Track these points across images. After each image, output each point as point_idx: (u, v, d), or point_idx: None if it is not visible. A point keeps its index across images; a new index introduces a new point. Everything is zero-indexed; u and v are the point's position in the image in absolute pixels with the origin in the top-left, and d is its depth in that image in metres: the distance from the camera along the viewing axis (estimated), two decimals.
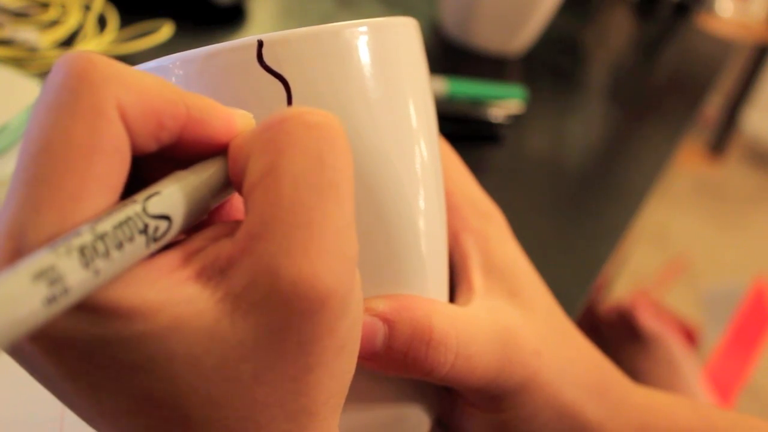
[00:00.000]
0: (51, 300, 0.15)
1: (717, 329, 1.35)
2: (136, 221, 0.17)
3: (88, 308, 0.16)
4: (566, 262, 0.47)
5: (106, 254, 0.16)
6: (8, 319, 0.14)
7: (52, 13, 0.53)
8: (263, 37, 0.22)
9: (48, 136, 0.16)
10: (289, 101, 0.23)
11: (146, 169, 0.20)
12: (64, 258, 0.15)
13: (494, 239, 0.29)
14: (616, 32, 0.88)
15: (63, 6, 0.54)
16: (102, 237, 0.16)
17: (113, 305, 0.16)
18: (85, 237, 0.15)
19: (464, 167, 0.32)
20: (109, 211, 0.16)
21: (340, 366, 0.19)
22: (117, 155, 0.17)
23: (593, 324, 0.89)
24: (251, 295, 0.17)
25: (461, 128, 0.56)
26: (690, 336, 1.16)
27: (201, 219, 0.19)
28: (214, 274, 0.17)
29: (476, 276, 0.28)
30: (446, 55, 0.68)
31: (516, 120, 0.59)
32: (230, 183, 0.19)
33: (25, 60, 0.48)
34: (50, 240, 0.16)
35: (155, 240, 0.17)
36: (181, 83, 0.23)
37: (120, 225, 0.16)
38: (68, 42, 0.51)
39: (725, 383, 1.23)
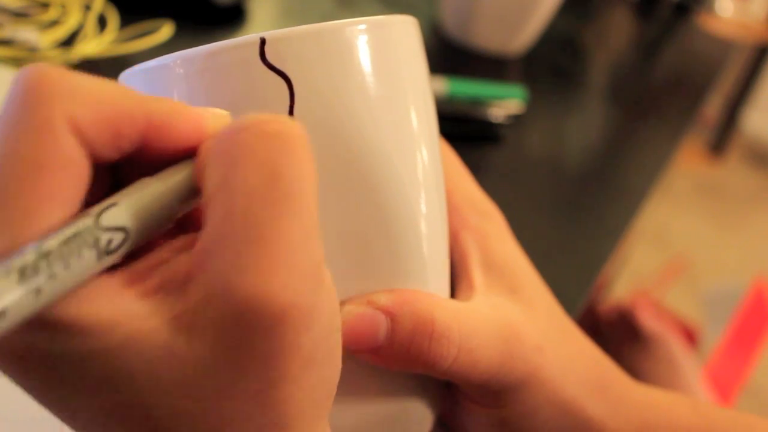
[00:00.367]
0: None
1: (717, 329, 1.35)
2: (85, 236, 0.16)
3: (43, 325, 0.16)
4: (566, 262, 0.47)
5: (50, 273, 0.15)
6: None
7: (52, 13, 0.53)
8: (265, 34, 0.22)
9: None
10: (292, 99, 0.23)
11: (125, 176, 0.19)
12: (2, 279, 0.15)
13: (493, 237, 0.30)
14: (616, 32, 0.88)
15: (63, 6, 0.54)
16: (46, 255, 0.15)
17: (67, 322, 0.16)
18: (28, 256, 0.15)
19: (463, 167, 0.32)
20: (62, 227, 0.16)
21: (310, 378, 0.18)
22: (69, 169, 0.16)
23: (593, 324, 0.89)
24: (206, 312, 0.17)
25: (461, 128, 0.56)
26: (690, 336, 1.16)
27: (167, 227, 0.19)
28: (171, 290, 0.17)
29: (476, 274, 0.28)
30: (446, 55, 0.68)
31: (516, 120, 0.59)
32: (198, 191, 0.19)
33: (25, 60, 0.48)
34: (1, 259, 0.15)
35: (109, 253, 0.17)
36: (182, 82, 0.23)
37: (67, 241, 0.16)
38: (68, 42, 0.51)
39: (725, 383, 1.23)
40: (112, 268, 0.18)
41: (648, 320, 0.87)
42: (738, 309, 1.38)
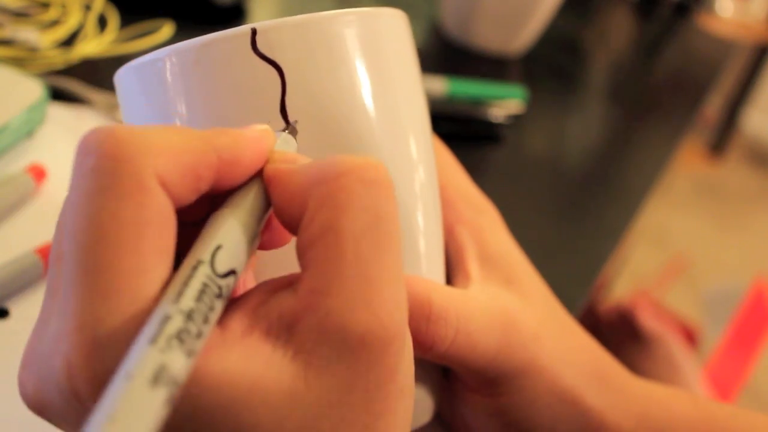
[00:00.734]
0: (170, 399, 0.15)
1: (717, 329, 1.35)
2: (211, 287, 0.17)
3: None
4: (566, 262, 0.47)
5: (197, 332, 0.16)
6: (141, 431, 0.14)
7: (52, 13, 0.53)
8: (256, 25, 0.23)
9: (98, 223, 0.16)
10: (283, 88, 0.23)
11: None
12: (169, 352, 0.15)
13: (488, 231, 0.30)
14: (616, 32, 0.88)
15: (63, 6, 0.54)
16: (190, 315, 0.16)
17: (199, 378, 0.16)
18: (177, 320, 0.15)
19: (456, 163, 0.32)
20: (177, 279, 0.17)
21: (402, 409, 0.19)
22: (166, 223, 0.17)
23: (593, 324, 0.89)
24: (321, 350, 0.17)
25: (461, 128, 0.56)
26: (690, 336, 1.16)
27: (253, 255, 0.19)
28: (281, 332, 0.18)
29: (473, 266, 0.29)
30: (446, 55, 0.68)
31: (516, 120, 0.59)
32: (269, 204, 0.20)
33: (25, 60, 0.48)
34: (127, 324, 0.16)
35: (225, 298, 0.17)
36: (176, 75, 0.23)
37: (200, 296, 0.16)
38: (68, 42, 0.51)
39: (725, 383, 1.23)
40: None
41: (648, 320, 0.87)
42: (738, 309, 1.38)
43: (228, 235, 0.18)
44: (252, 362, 0.17)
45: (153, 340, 0.15)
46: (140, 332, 0.16)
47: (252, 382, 0.17)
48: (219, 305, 0.17)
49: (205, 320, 0.16)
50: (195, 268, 0.17)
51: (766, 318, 1.36)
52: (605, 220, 0.52)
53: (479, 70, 0.66)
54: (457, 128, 0.55)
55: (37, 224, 0.37)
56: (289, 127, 0.23)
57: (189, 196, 0.18)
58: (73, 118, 0.45)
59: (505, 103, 0.58)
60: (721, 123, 2.25)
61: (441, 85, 0.57)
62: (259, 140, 0.20)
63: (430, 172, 0.28)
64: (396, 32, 0.26)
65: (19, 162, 0.40)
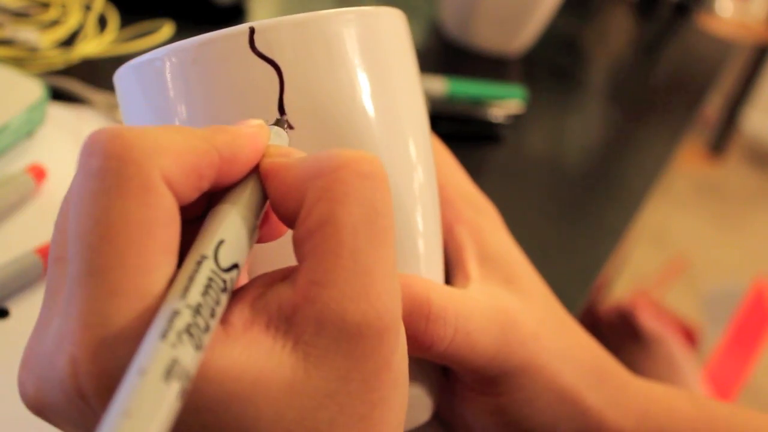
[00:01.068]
0: (182, 392, 0.15)
1: (717, 329, 1.35)
2: (217, 281, 0.17)
3: None
4: (566, 262, 0.47)
5: (205, 326, 0.16)
6: (156, 426, 0.14)
7: (52, 13, 0.53)
8: (254, 23, 0.23)
9: (104, 222, 0.17)
10: (281, 87, 0.23)
11: None
12: (180, 346, 0.15)
13: (488, 230, 0.30)
14: (616, 32, 0.88)
15: (63, 6, 0.54)
16: (198, 309, 0.16)
17: (203, 372, 0.16)
18: (185, 315, 0.16)
19: (455, 162, 0.32)
20: (182, 274, 0.17)
21: (397, 399, 0.19)
22: (171, 222, 0.17)
23: (593, 324, 0.89)
24: (319, 340, 0.18)
25: (461, 128, 0.56)
26: (690, 336, 1.16)
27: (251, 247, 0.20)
28: (280, 323, 0.18)
29: (472, 265, 0.29)
30: (446, 55, 0.68)
31: (516, 120, 0.59)
32: (266, 198, 0.20)
33: (25, 60, 0.48)
34: (134, 322, 0.16)
35: (229, 292, 0.18)
36: (175, 74, 0.23)
37: (206, 291, 0.16)
38: (68, 42, 0.51)
39: (725, 383, 1.23)
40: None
41: (648, 320, 0.87)
42: (738, 309, 1.38)
43: (229, 229, 0.18)
44: (254, 355, 0.17)
45: (163, 336, 0.15)
46: (149, 328, 0.16)
47: (254, 375, 0.17)
48: (224, 299, 0.17)
49: (212, 314, 0.16)
50: (199, 263, 0.17)
51: (766, 318, 1.36)
52: (605, 220, 0.52)
53: (479, 70, 0.66)
54: (457, 128, 0.55)
55: (37, 224, 0.37)
56: (280, 120, 0.23)
57: (191, 195, 0.18)
58: (73, 118, 0.45)
59: (505, 103, 0.58)
60: (721, 123, 2.25)
61: (441, 85, 0.57)
62: (256, 136, 0.20)
63: (429, 171, 0.28)
64: (395, 32, 0.26)
65: (19, 162, 0.40)
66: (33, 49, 0.49)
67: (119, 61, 0.25)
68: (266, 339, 0.18)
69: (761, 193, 2.21)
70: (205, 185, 0.19)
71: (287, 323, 0.18)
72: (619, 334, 0.87)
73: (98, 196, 0.17)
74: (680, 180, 2.08)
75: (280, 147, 0.21)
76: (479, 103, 0.57)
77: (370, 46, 0.25)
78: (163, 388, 0.15)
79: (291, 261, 0.20)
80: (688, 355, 0.85)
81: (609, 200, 0.55)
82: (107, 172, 0.17)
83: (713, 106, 2.15)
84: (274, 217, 0.21)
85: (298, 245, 0.19)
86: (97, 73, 0.49)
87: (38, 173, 0.38)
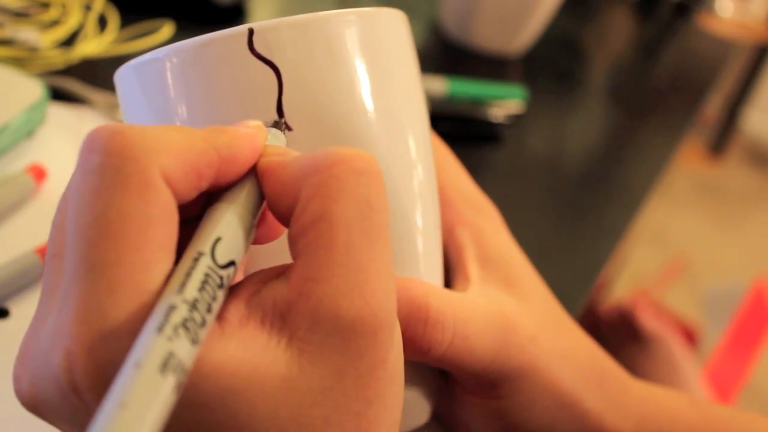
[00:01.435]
0: (178, 386, 0.15)
1: (717, 329, 1.35)
2: (213, 277, 0.17)
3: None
4: (566, 262, 0.47)
5: (201, 320, 0.16)
6: (151, 418, 0.14)
7: (52, 13, 0.53)
8: (253, 25, 0.23)
9: (103, 218, 0.17)
10: (280, 88, 0.23)
11: None
12: (176, 340, 0.15)
13: (489, 232, 0.30)
14: (616, 32, 0.88)
15: (63, 6, 0.54)
16: (194, 304, 0.16)
17: (198, 368, 0.16)
18: (182, 309, 0.16)
19: (457, 162, 0.32)
20: (179, 270, 0.17)
21: (392, 397, 0.19)
22: (169, 219, 0.17)
23: (593, 324, 0.89)
24: (314, 337, 0.18)
25: (461, 128, 0.56)
26: (690, 336, 1.16)
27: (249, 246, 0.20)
28: (275, 319, 0.18)
29: (472, 267, 0.29)
30: (446, 55, 0.68)
31: (516, 120, 0.59)
32: (263, 197, 0.20)
33: (25, 60, 0.48)
34: (131, 317, 0.16)
35: (225, 288, 0.18)
36: (175, 74, 0.23)
37: (202, 286, 0.17)
38: (68, 42, 0.51)
39: (725, 383, 1.23)
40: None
41: (648, 320, 0.87)
42: (738, 309, 1.38)
43: (226, 227, 0.18)
44: (249, 351, 0.17)
45: (160, 329, 0.15)
46: (146, 323, 0.16)
47: (249, 371, 0.17)
48: (221, 295, 0.17)
49: (209, 309, 0.17)
50: (196, 259, 0.17)
51: (766, 318, 1.36)
52: (605, 220, 0.52)
53: (479, 70, 0.66)
54: (457, 128, 0.55)
55: (37, 224, 0.37)
56: (278, 122, 0.23)
57: (190, 194, 0.18)
58: (73, 118, 0.45)
59: (505, 103, 0.58)
60: (721, 123, 2.25)
61: (441, 85, 0.57)
62: (254, 136, 0.20)
63: (429, 172, 0.27)
64: (395, 32, 0.26)
65: (19, 162, 0.40)
66: (33, 49, 0.49)
67: (119, 61, 0.25)
68: (261, 335, 0.18)
69: (761, 193, 2.21)
70: (204, 184, 0.19)
71: (282, 319, 0.18)
72: (619, 334, 0.87)
73: (98, 192, 0.17)
74: (680, 180, 2.08)
75: (277, 147, 0.21)
76: (479, 103, 0.57)
77: (370, 47, 0.25)
78: (159, 380, 0.15)
79: (287, 260, 0.20)
80: (688, 355, 0.85)
81: (609, 200, 0.55)
82: (107, 168, 0.17)
83: (713, 106, 2.14)
84: (270, 218, 0.21)
85: (292, 242, 0.19)
86: (97, 73, 0.49)
87: (38, 173, 0.38)
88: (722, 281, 1.73)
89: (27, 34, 0.49)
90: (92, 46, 0.51)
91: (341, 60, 0.24)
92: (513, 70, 0.68)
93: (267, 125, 0.22)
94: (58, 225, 0.20)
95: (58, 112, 0.44)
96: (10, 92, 0.40)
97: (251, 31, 0.23)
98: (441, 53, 0.68)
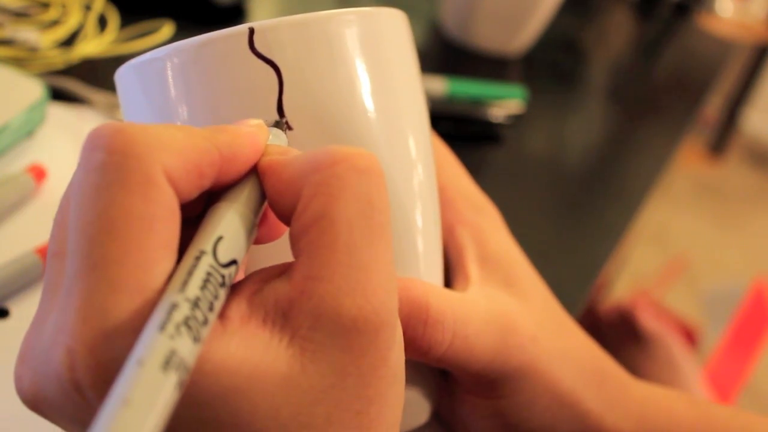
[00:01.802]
0: (180, 383, 0.15)
1: (717, 329, 1.35)
2: (215, 276, 0.17)
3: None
4: (566, 262, 0.47)
5: (203, 319, 0.16)
6: (154, 415, 0.14)
7: (52, 13, 0.53)
8: (254, 24, 0.23)
9: (106, 216, 0.17)
10: (281, 87, 0.23)
11: None
12: (178, 338, 0.15)
13: (489, 231, 0.30)
14: (616, 32, 0.88)
15: (63, 6, 0.54)
16: (196, 303, 0.16)
17: (200, 366, 0.16)
18: (184, 308, 0.16)
19: (457, 162, 0.32)
20: (181, 269, 0.17)
21: (394, 395, 0.19)
22: (172, 218, 0.17)
23: (593, 324, 0.89)
24: (316, 335, 0.18)
25: (461, 128, 0.56)
26: (690, 336, 1.16)
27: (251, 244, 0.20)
28: (277, 317, 0.18)
29: (472, 267, 0.29)
30: (446, 55, 0.68)
31: (516, 120, 0.59)
32: (264, 197, 0.20)
33: (25, 60, 0.48)
34: (133, 315, 0.16)
35: (227, 287, 0.18)
36: (175, 73, 0.23)
37: (204, 285, 0.17)
38: (68, 42, 0.51)
39: (725, 383, 1.23)
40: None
41: (648, 320, 0.87)
42: (738, 309, 1.38)
43: (228, 226, 0.18)
44: (251, 350, 0.17)
45: (162, 327, 0.15)
46: (148, 321, 0.16)
47: (251, 369, 0.17)
48: (222, 293, 0.17)
49: (210, 308, 0.17)
50: (198, 258, 0.17)
51: (766, 318, 1.36)
52: (605, 220, 0.52)
53: (479, 70, 0.66)
54: (457, 128, 0.55)
55: (37, 224, 0.37)
56: (279, 121, 0.23)
57: (192, 192, 0.18)
58: (73, 118, 0.45)
59: (505, 103, 0.58)
60: (721, 123, 2.25)
61: (441, 85, 0.57)
62: (255, 135, 0.20)
63: (429, 172, 0.27)
64: (395, 32, 0.26)
65: (19, 162, 0.40)
66: (33, 49, 0.49)
67: (119, 61, 0.25)
68: (263, 333, 0.18)
69: (761, 193, 2.21)
70: (206, 183, 0.19)
71: (284, 318, 0.18)
72: (619, 334, 0.87)
73: (100, 190, 0.17)
74: (680, 180, 2.08)
75: (278, 146, 0.21)
76: (479, 103, 0.57)
77: (370, 46, 0.25)
78: (161, 378, 0.15)
79: (288, 259, 0.20)
80: (688, 355, 0.85)
81: (609, 200, 0.55)
82: (110, 166, 0.17)
83: (713, 106, 2.14)
84: (272, 218, 0.21)
85: (294, 241, 0.19)
86: (97, 73, 0.49)
87: (38, 173, 0.38)
88: (722, 281, 1.73)
89: (27, 34, 0.49)
90: (92, 46, 0.51)
91: (341, 59, 0.24)
92: (513, 70, 0.68)
93: (268, 125, 0.22)
94: (59, 223, 0.20)
95: (58, 112, 0.44)
96: (10, 92, 0.40)
97: (251, 31, 0.23)
98: (441, 53, 0.68)
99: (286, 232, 0.21)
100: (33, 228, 0.37)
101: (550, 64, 0.72)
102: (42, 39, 0.50)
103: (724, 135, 2.28)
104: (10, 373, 0.20)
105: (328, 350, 0.18)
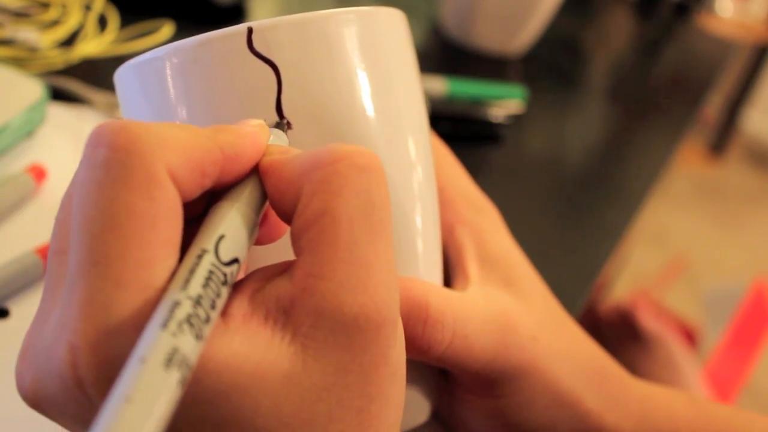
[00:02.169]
0: (182, 380, 0.15)
1: (717, 329, 1.35)
2: (217, 274, 0.17)
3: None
4: (566, 262, 0.47)
5: (206, 317, 0.16)
6: (156, 412, 0.14)
7: (52, 13, 0.53)
8: (253, 23, 0.23)
9: (109, 213, 0.17)
10: (279, 87, 0.23)
11: None
12: (180, 335, 0.15)
13: (489, 231, 0.30)
14: (616, 32, 0.88)
15: (63, 6, 0.54)
16: (198, 300, 0.16)
17: (202, 363, 0.16)
18: (186, 305, 0.16)
19: (457, 162, 0.32)
20: (183, 267, 0.17)
21: (395, 393, 0.19)
22: (175, 216, 0.17)
23: (593, 324, 0.89)
24: (317, 333, 0.18)
25: (461, 128, 0.56)
26: (690, 336, 1.16)
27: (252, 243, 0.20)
28: (278, 315, 0.18)
29: (472, 267, 0.29)
30: (446, 55, 0.68)
31: (516, 120, 0.59)
32: (265, 196, 0.20)
33: (25, 60, 0.48)
34: (135, 313, 0.16)
35: (229, 285, 0.18)
36: (175, 72, 0.23)
37: (206, 283, 0.17)
38: (68, 42, 0.51)
39: (725, 383, 1.23)
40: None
41: (648, 320, 0.87)
42: (738, 309, 1.38)
43: (230, 225, 0.18)
44: (253, 348, 0.17)
45: (164, 325, 0.15)
46: (150, 319, 0.16)
47: (253, 367, 0.17)
48: (225, 292, 0.17)
49: (213, 306, 0.17)
50: (200, 256, 0.17)
51: (766, 318, 1.36)
52: (605, 220, 0.52)
53: (479, 70, 0.66)
54: (457, 128, 0.55)
55: (37, 224, 0.37)
56: (280, 122, 0.23)
57: (194, 191, 0.18)
58: (73, 118, 0.45)
59: (505, 103, 0.58)
60: (721, 123, 2.25)
61: (441, 85, 0.57)
62: (257, 135, 0.20)
63: (429, 172, 0.27)
64: (395, 32, 0.26)
65: (19, 162, 0.40)
66: (33, 49, 0.49)
67: (119, 61, 0.25)
68: (265, 331, 0.18)
69: (761, 193, 2.21)
70: (208, 183, 0.19)
71: (285, 315, 0.18)
72: (619, 334, 0.87)
73: (103, 187, 0.17)
74: (680, 180, 2.08)
75: (279, 146, 0.21)
76: (479, 103, 0.57)
77: (369, 46, 0.25)
78: (164, 375, 0.15)
79: (289, 258, 0.20)
80: (688, 355, 0.85)
81: (609, 200, 0.55)
82: (113, 163, 0.17)
83: (713, 106, 2.14)
84: (272, 219, 0.21)
85: (295, 239, 0.19)
86: (97, 73, 0.49)
87: (38, 173, 0.38)
88: (722, 281, 1.73)
89: (27, 34, 0.49)
90: (92, 46, 0.51)
91: (341, 59, 0.24)
92: (513, 70, 0.68)
93: (269, 126, 0.22)
94: (62, 221, 0.20)
95: (58, 112, 0.44)
96: (10, 92, 0.40)
97: (250, 30, 0.23)
98: (441, 53, 0.68)
99: (286, 232, 0.21)
100: (33, 228, 0.37)
101: (550, 64, 0.72)
102: (42, 39, 0.50)
103: (724, 135, 2.28)
104: (10, 373, 0.20)
105: (330, 347, 0.18)
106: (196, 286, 0.16)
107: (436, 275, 0.28)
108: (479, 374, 0.27)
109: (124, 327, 0.16)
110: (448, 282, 0.29)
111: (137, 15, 0.55)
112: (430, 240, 0.27)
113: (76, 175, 0.18)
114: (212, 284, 0.17)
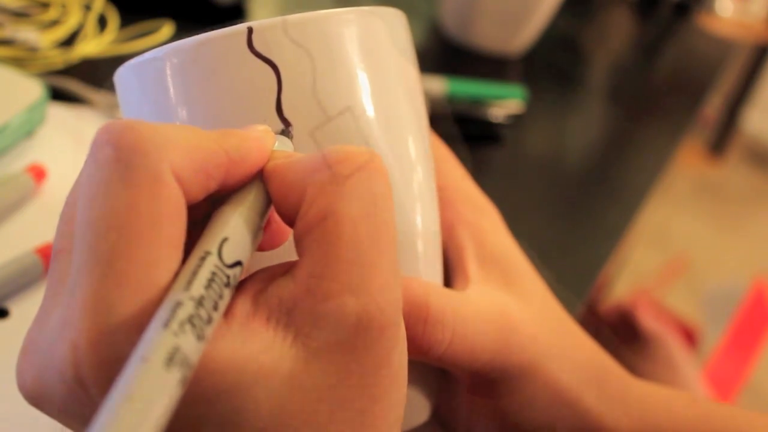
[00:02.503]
0: (183, 380, 0.15)
1: (717, 329, 1.35)
2: (220, 276, 0.17)
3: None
4: (566, 262, 0.47)
5: (207, 317, 0.16)
6: (156, 411, 0.14)
7: (52, 13, 0.53)
8: (253, 23, 0.23)
9: (113, 212, 0.17)
10: (279, 86, 0.23)
11: None
12: (182, 335, 0.15)
13: (489, 231, 0.30)
14: (616, 32, 0.88)
15: (63, 6, 0.54)
16: (200, 301, 0.16)
17: (204, 363, 0.17)
18: (188, 306, 0.16)
19: (457, 162, 0.32)
20: (186, 269, 0.17)
21: (396, 394, 0.19)
22: (179, 216, 0.17)
23: (593, 324, 0.89)
24: (320, 333, 0.18)
25: (461, 128, 0.56)
26: (690, 336, 1.16)
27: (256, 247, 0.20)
28: (281, 316, 0.18)
29: (472, 267, 0.29)
30: (446, 55, 0.68)
31: (516, 120, 0.59)
32: (270, 201, 0.20)
33: (25, 60, 0.48)
34: (138, 312, 0.16)
35: (232, 287, 0.18)
36: (175, 72, 0.23)
37: (209, 284, 0.17)
38: (68, 42, 0.51)
39: (725, 383, 1.23)
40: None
41: (648, 320, 0.87)
42: (738, 309, 1.38)
43: (233, 228, 0.18)
44: (255, 348, 0.17)
45: (166, 325, 0.15)
46: (153, 318, 0.16)
47: (255, 367, 0.17)
48: (227, 293, 0.17)
49: (215, 307, 0.17)
50: (203, 258, 0.17)
51: (766, 318, 1.36)
52: (605, 220, 0.52)
53: (479, 70, 0.66)
54: (457, 128, 0.55)
55: (37, 224, 0.37)
56: (285, 129, 0.23)
57: (199, 193, 0.18)
58: (73, 118, 0.45)
59: (505, 103, 0.58)
60: (721, 123, 2.25)
61: (441, 85, 0.57)
62: (262, 140, 0.20)
63: (428, 172, 0.27)
64: (395, 32, 0.26)
65: (19, 162, 0.40)
66: (33, 49, 0.49)
67: (119, 61, 0.25)
68: (267, 332, 0.18)
69: (761, 193, 2.21)
70: (212, 185, 0.19)
71: (288, 316, 0.18)
72: (619, 334, 0.87)
73: (108, 186, 0.17)
74: (680, 180, 2.08)
75: (284, 151, 0.21)
76: (479, 103, 0.57)
77: (369, 46, 0.25)
78: (165, 374, 0.15)
79: (292, 259, 0.20)
80: (688, 355, 0.86)
81: (609, 200, 0.55)
82: (118, 162, 0.17)
83: (713, 106, 2.14)
84: (275, 225, 0.21)
85: (298, 240, 0.19)
86: (97, 73, 0.49)
87: (38, 173, 0.38)
88: (722, 281, 1.73)
89: (27, 34, 0.49)
90: (92, 46, 0.51)
91: (340, 59, 0.24)
92: (513, 70, 0.68)
93: (275, 132, 0.22)
94: (66, 219, 0.20)
95: (58, 112, 0.44)
96: (10, 92, 0.40)
97: (250, 30, 0.23)
98: (441, 53, 0.68)
99: (289, 237, 0.21)
100: (33, 228, 0.37)
101: (550, 64, 0.72)
102: (42, 39, 0.50)
103: (724, 135, 2.28)
104: (10, 373, 0.20)
105: (332, 348, 0.18)
106: (198, 287, 0.16)
107: (436, 275, 0.28)
108: (479, 374, 0.27)
109: (125, 327, 0.16)
110: (448, 282, 0.29)
111: (137, 15, 0.55)
112: (430, 240, 0.27)
113: (81, 173, 0.18)
114: (215, 286, 0.17)
